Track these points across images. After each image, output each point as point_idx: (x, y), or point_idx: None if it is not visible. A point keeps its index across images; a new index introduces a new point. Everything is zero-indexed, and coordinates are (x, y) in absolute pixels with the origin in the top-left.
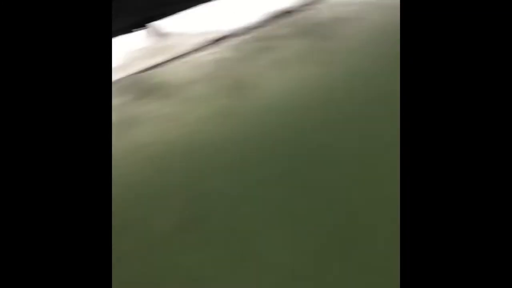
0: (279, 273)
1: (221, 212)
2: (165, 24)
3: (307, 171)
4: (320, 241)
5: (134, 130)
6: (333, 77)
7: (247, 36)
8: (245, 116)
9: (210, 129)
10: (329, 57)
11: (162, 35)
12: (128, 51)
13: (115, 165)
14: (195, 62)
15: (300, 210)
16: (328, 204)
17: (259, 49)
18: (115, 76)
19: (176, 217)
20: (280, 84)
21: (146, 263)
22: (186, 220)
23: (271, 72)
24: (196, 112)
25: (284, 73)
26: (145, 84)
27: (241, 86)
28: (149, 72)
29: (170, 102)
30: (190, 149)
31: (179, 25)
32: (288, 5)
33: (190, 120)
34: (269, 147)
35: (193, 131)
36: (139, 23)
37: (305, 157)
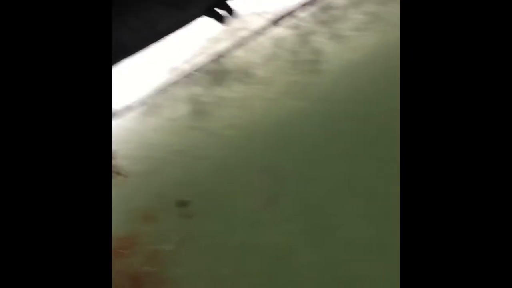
0: (356, 247)
1: (296, 190)
2: (231, 7)
3: (374, 144)
4: (393, 212)
5: (210, 115)
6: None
7: (305, 13)
8: (311, 93)
9: (280, 110)
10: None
11: (230, 19)
12: (200, 38)
13: (192, 152)
14: (260, 44)
15: (369, 181)
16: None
17: (318, 24)
18: (190, 63)
19: (259, 197)
20: (344, 57)
21: (236, 241)
22: (268, 199)
23: (332, 46)
24: (265, 93)
25: (345, 45)
26: (217, 71)
27: (304, 63)
28: (221, 57)
29: (240, 86)
30: (263, 129)
31: (245, 8)
32: None
33: (261, 103)
34: (336, 121)
35: (264, 114)
36: (206, 9)
37: (373, 130)
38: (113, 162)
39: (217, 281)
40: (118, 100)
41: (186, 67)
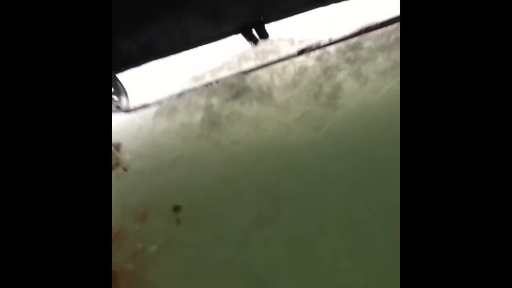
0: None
1: (290, 216)
2: (265, 30)
3: (375, 186)
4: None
5: (221, 127)
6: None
7: (333, 48)
8: (322, 125)
9: (290, 136)
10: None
11: (260, 40)
12: (228, 54)
13: (195, 160)
14: (285, 69)
15: (364, 223)
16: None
17: (342, 61)
18: (214, 76)
19: (252, 216)
20: (360, 97)
21: (219, 256)
22: (261, 220)
23: (353, 84)
24: (279, 117)
25: (365, 86)
26: (238, 86)
27: (322, 95)
28: (244, 74)
29: (257, 105)
30: (269, 151)
31: (277, 32)
32: (380, 19)
33: (273, 125)
34: (342, 157)
35: (273, 136)
36: (241, 28)
37: (378, 169)
38: (116, 154)
39: None
40: (136, 97)
41: (208, 77)
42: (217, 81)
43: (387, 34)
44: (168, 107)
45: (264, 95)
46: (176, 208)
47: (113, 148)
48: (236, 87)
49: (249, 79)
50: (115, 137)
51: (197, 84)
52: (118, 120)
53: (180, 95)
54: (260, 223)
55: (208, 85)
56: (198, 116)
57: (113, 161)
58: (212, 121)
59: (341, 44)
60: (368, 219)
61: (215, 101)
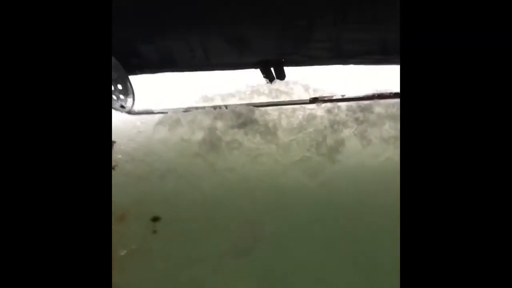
0: None
1: (269, 254)
2: (284, 71)
3: (356, 243)
4: None
5: (219, 152)
6: None
7: (345, 104)
8: (318, 174)
9: (284, 177)
10: None
11: (276, 79)
12: (243, 84)
13: (186, 177)
14: (294, 112)
15: (340, 275)
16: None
17: (351, 119)
18: (224, 101)
19: (231, 245)
20: (359, 157)
21: (186, 275)
22: (236, 249)
23: (355, 144)
24: (279, 156)
25: (367, 149)
26: (245, 117)
27: (324, 146)
28: (254, 107)
29: (260, 140)
30: (261, 187)
31: (295, 76)
32: (395, 89)
33: (270, 163)
34: (331, 209)
35: (268, 173)
36: (261, 63)
37: (361, 231)
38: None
39: None
40: (143, 102)
41: (218, 101)
42: (226, 107)
43: (398, 105)
44: (172, 118)
45: (269, 131)
46: (155, 219)
47: None
48: (244, 117)
49: (258, 112)
50: (113, 135)
51: (206, 104)
52: (119, 120)
53: (187, 110)
54: (235, 253)
55: (216, 108)
56: (199, 135)
57: None
58: (213, 143)
59: (353, 104)
60: (342, 274)
61: (219, 125)
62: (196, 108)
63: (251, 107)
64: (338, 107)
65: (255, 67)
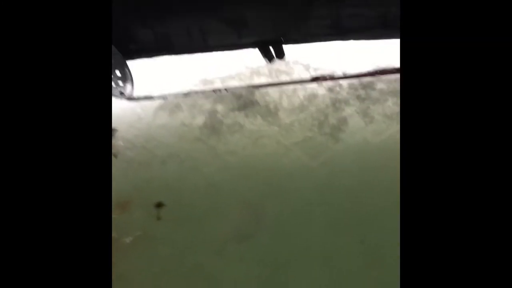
0: None
1: (271, 238)
2: (284, 50)
3: (359, 223)
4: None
5: (220, 135)
6: None
7: (346, 82)
8: (320, 154)
9: (285, 158)
10: None
11: (276, 59)
12: (243, 66)
13: (188, 161)
14: (295, 92)
15: (342, 259)
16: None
17: (353, 97)
18: (224, 83)
19: (233, 229)
20: (362, 135)
21: (190, 261)
22: (239, 233)
23: (357, 121)
24: (280, 137)
25: (369, 126)
26: (245, 98)
27: (327, 125)
28: (254, 88)
29: (261, 121)
30: (262, 169)
31: (294, 55)
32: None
33: (272, 144)
34: (333, 189)
35: (270, 154)
36: (259, 43)
37: (364, 210)
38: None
39: None
40: (142, 87)
41: (218, 83)
42: (226, 89)
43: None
44: (172, 103)
45: (270, 113)
46: (159, 205)
47: None
48: (244, 99)
49: (258, 94)
50: (114, 122)
51: (206, 87)
52: (118, 106)
53: (187, 94)
54: (238, 237)
55: (216, 91)
56: (200, 119)
57: None
58: (213, 127)
59: (355, 81)
60: (346, 257)
61: (220, 108)
62: (196, 92)
63: (251, 88)
64: (340, 85)
65: (254, 47)
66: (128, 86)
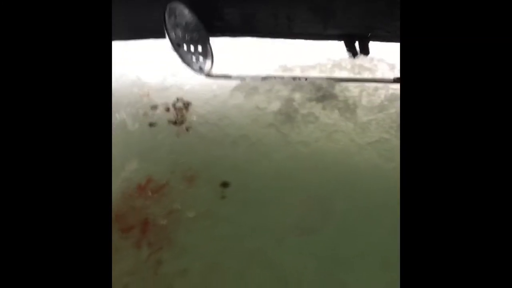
0: None
1: (333, 234)
2: (369, 46)
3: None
4: None
5: (295, 124)
6: None
7: None
8: (395, 158)
9: (359, 156)
10: None
11: (360, 55)
12: (325, 57)
13: (258, 145)
14: (376, 91)
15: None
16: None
17: None
18: (304, 72)
19: (295, 219)
20: None
21: (248, 246)
22: (303, 226)
23: None
24: (355, 135)
25: None
26: (325, 90)
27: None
28: (334, 82)
29: (338, 116)
30: (333, 164)
31: (380, 53)
32: None
33: (345, 139)
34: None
35: (343, 150)
36: (345, 36)
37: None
38: (184, 112)
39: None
40: (221, 66)
41: (297, 72)
42: (306, 79)
43: None
44: (249, 85)
45: (348, 108)
46: (225, 184)
47: (181, 105)
48: (323, 91)
49: (338, 87)
50: (188, 96)
51: (285, 74)
52: (196, 82)
53: (265, 78)
54: (301, 229)
55: (295, 79)
56: (275, 105)
57: (179, 118)
58: (288, 114)
59: None
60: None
61: (297, 96)
62: (275, 77)
63: (332, 81)
64: None
65: (339, 40)
66: (208, 62)
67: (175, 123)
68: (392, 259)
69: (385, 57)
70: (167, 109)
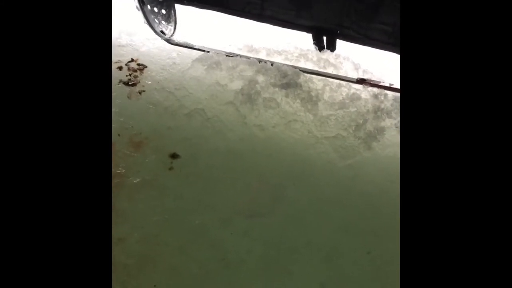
0: None
1: (280, 220)
2: (335, 43)
3: (368, 233)
4: None
5: (255, 107)
6: None
7: (392, 94)
8: (349, 157)
9: (314, 148)
10: None
11: (325, 50)
12: (292, 45)
13: (214, 122)
14: (339, 87)
15: (346, 258)
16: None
17: (396, 110)
18: (269, 56)
19: (243, 200)
20: (395, 150)
21: (192, 220)
22: (250, 208)
23: (394, 135)
24: (314, 127)
25: None
26: (290, 78)
27: (363, 130)
28: (299, 71)
29: (299, 106)
30: (287, 153)
31: (346, 51)
32: None
33: (303, 130)
34: (352, 194)
35: (299, 140)
36: (315, 29)
37: (374, 225)
38: (138, 74)
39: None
40: (184, 36)
41: (263, 55)
42: (272, 63)
43: None
44: (213, 59)
45: (311, 100)
46: (174, 156)
47: (136, 66)
48: (288, 78)
49: (303, 77)
50: (145, 58)
51: (251, 55)
52: (155, 45)
53: (229, 55)
54: (249, 212)
55: (262, 61)
56: (237, 84)
57: (132, 79)
58: (250, 96)
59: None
60: (352, 264)
61: (261, 79)
62: (240, 56)
63: (298, 70)
64: (385, 95)
65: (308, 32)
66: (170, 27)
67: (127, 83)
68: (334, 254)
69: (351, 56)
70: (120, 68)
